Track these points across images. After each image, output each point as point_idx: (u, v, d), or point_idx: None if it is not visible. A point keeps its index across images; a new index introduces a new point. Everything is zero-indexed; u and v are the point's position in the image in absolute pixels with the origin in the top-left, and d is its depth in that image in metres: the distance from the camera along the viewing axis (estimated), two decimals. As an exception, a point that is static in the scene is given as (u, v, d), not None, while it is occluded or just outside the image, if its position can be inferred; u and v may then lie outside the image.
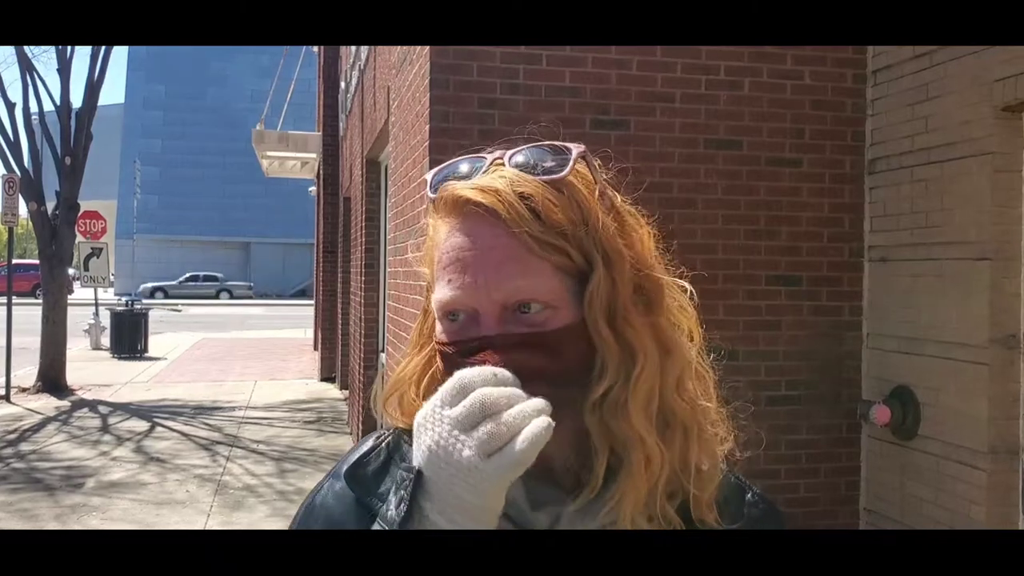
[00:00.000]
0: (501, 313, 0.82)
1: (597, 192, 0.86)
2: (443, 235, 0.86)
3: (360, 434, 8.21)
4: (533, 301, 0.82)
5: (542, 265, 0.82)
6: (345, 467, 0.93)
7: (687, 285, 0.94)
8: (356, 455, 0.94)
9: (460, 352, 0.83)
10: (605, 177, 0.89)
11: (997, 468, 3.53)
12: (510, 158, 0.86)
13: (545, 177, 0.84)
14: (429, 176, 0.90)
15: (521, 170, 0.85)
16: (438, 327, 0.87)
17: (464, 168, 0.87)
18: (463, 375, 0.78)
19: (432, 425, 0.77)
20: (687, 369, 0.89)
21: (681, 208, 4.09)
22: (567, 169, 0.84)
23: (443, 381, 0.88)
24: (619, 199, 0.89)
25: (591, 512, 0.84)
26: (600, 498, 0.85)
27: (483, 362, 0.80)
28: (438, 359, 0.88)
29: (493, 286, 0.81)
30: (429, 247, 0.89)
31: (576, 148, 0.86)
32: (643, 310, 0.86)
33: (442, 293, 0.84)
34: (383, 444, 0.94)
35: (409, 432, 0.92)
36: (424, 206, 4.23)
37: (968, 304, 3.64)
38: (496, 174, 0.85)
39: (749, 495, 0.94)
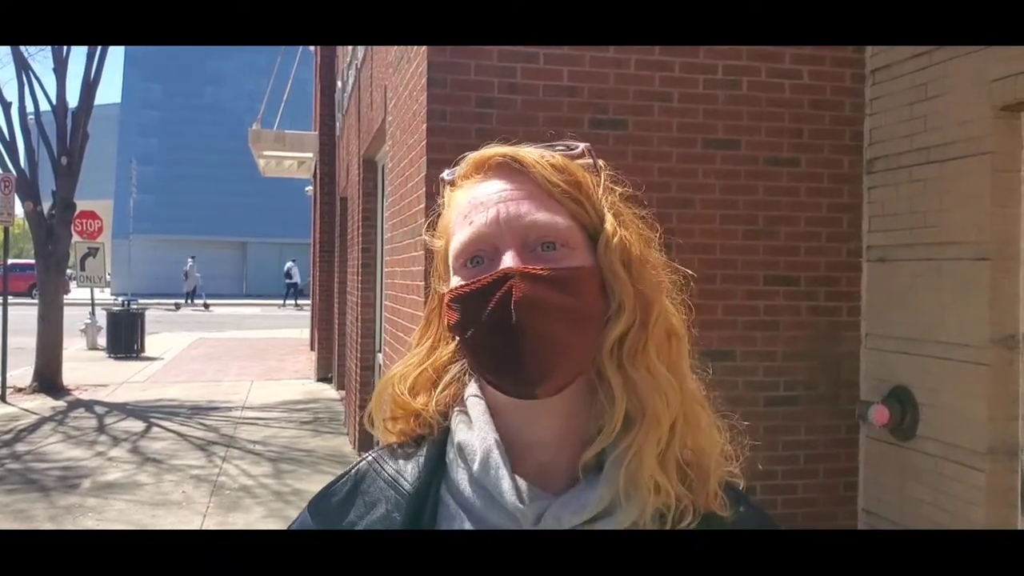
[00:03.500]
0: (521, 250, 0.84)
1: (602, 181, 0.92)
2: (463, 194, 0.90)
3: (357, 434, 8.20)
4: (553, 237, 0.85)
5: (561, 209, 0.87)
6: (313, 499, 0.95)
7: (690, 273, 0.97)
8: (326, 486, 0.95)
9: (482, 288, 0.83)
10: (608, 172, 0.93)
11: (996, 469, 3.52)
12: None
13: (560, 152, 0.91)
14: (445, 172, 0.94)
15: None
16: (454, 280, 0.88)
17: None
18: None
19: None
20: (687, 356, 0.92)
21: (679, 208, 4.08)
22: (577, 151, 0.92)
23: (448, 338, 0.92)
24: (619, 192, 0.93)
25: (575, 507, 0.84)
26: (587, 491, 0.84)
27: (509, 292, 0.81)
28: (448, 313, 0.89)
29: (515, 219, 0.85)
30: (444, 217, 0.92)
31: (582, 143, 0.93)
32: (651, 272, 0.90)
33: (464, 233, 0.87)
34: (351, 472, 0.95)
35: (384, 456, 0.94)
36: (421, 205, 4.22)
37: (967, 304, 3.63)
38: None
39: (743, 507, 0.93)
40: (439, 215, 0.94)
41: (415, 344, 0.97)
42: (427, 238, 0.96)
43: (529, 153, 0.88)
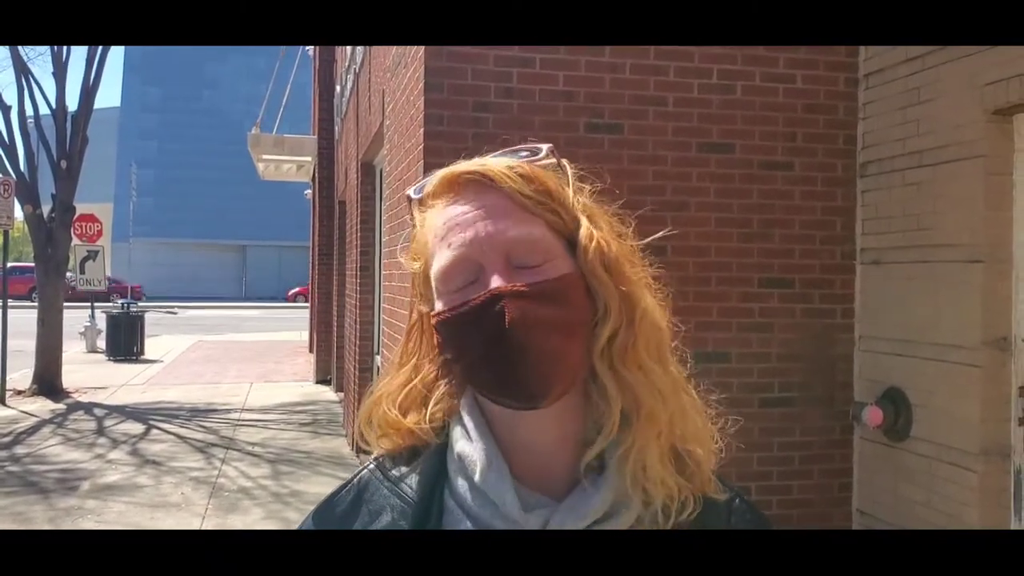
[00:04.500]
0: (505, 267, 0.84)
1: (570, 183, 0.91)
2: (436, 215, 0.89)
3: (355, 436, 8.20)
4: (534, 250, 0.85)
5: (535, 220, 0.86)
6: (316, 509, 0.95)
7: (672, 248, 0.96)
8: (329, 495, 0.95)
9: (471, 310, 0.83)
10: (575, 171, 0.93)
11: (989, 470, 3.54)
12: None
13: (526, 159, 0.90)
14: (410, 191, 0.93)
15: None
16: (439, 303, 0.87)
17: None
18: None
19: None
20: (670, 345, 0.93)
21: (674, 211, 4.10)
22: (541, 154, 0.91)
23: (438, 357, 0.91)
24: (588, 191, 0.93)
25: (580, 512, 0.85)
26: (590, 496, 0.85)
27: (502, 315, 0.81)
28: (437, 336, 0.89)
29: (494, 236, 0.84)
30: (420, 239, 0.91)
31: (545, 145, 0.92)
32: (630, 269, 0.90)
33: (444, 257, 0.86)
34: (353, 482, 0.95)
35: (385, 464, 0.94)
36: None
37: (960, 306, 3.65)
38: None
39: (737, 501, 0.94)
40: (413, 236, 0.92)
41: (398, 361, 0.96)
42: (403, 260, 0.95)
43: (497, 166, 0.87)
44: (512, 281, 0.83)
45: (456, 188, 0.88)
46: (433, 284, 0.88)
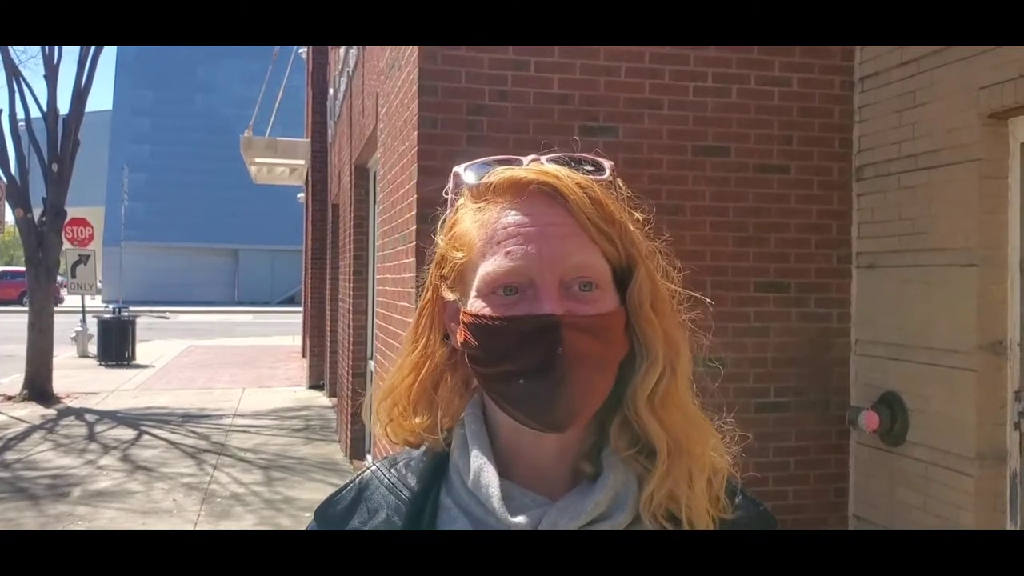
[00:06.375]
0: (559, 288, 0.83)
1: (626, 211, 0.90)
2: (493, 215, 0.86)
3: (348, 442, 8.18)
4: (591, 279, 0.84)
5: (595, 248, 0.85)
6: (319, 506, 0.96)
7: (708, 302, 0.99)
8: (332, 493, 0.96)
9: (520, 325, 0.82)
10: (629, 195, 0.92)
11: (985, 474, 3.54)
12: (546, 161, 0.89)
13: (592, 176, 0.88)
14: (460, 168, 0.91)
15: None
16: (476, 304, 0.85)
17: (499, 165, 0.89)
18: None
19: None
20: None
21: (669, 215, 4.09)
22: (607, 173, 0.90)
23: (445, 342, 0.91)
24: (641, 220, 0.92)
25: (572, 513, 0.84)
26: (583, 497, 0.85)
27: (555, 343, 0.80)
28: (463, 333, 0.87)
29: (558, 258, 0.83)
30: (466, 229, 0.88)
31: (608, 162, 0.90)
32: (673, 311, 0.91)
33: (497, 264, 0.84)
34: (355, 481, 0.96)
35: (386, 465, 0.95)
36: (412, 212, 4.21)
37: (956, 310, 3.64)
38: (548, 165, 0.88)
39: (739, 499, 0.94)
40: (455, 219, 0.89)
41: (409, 344, 0.95)
42: (441, 241, 0.91)
43: (569, 183, 0.85)
44: (563, 306, 0.82)
45: (522, 193, 0.85)
46: (475, 282, 0.86)
